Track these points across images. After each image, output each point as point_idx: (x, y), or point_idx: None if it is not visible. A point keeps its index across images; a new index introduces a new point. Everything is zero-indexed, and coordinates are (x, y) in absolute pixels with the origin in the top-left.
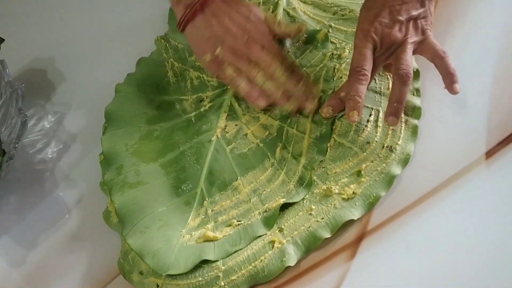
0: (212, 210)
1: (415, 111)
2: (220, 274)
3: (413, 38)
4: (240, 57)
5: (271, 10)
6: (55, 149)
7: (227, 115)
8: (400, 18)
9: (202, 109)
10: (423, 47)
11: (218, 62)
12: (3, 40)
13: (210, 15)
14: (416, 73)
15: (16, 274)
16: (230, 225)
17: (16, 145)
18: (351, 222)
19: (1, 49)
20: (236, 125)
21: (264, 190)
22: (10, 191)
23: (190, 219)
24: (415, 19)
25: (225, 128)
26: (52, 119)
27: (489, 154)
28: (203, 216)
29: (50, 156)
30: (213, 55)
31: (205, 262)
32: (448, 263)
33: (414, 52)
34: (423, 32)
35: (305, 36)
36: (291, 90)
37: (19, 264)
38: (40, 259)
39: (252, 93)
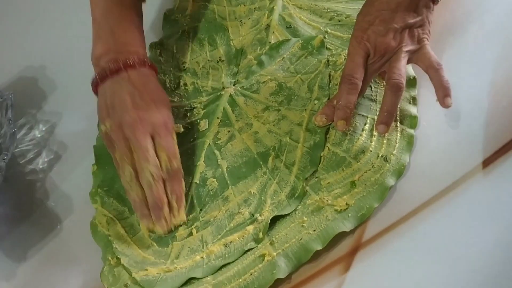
0: (202, 219)
1: (411, 120)
2: None
3: (408, 46)
4: (123, 137)
5: (266, 16)
6: (46, 159)
7: (220, 121)
8: (395, 26)
9: (195, 115)
10: (418, 57)
11: (110, 137)
12: None
13: (117, 83)
14: (413, 81)
15: (6, 286)
16: (219, 239)
17: (5, 157)
18: (345, 234)
19: None
20: (228, 131)
21: (255, 201)
22: (0, 202)
23: (180, 229)
24: (411, 27)
25: (217, 135)
26: (43, 129)
27: (486, 163)
28: (192, 225)
29: (41, 167)
30: (105, 127)
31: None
32: (445, 274)
33: (409, 61)
34: (419, 41)
35: (300, 42)
36: (154, 200)
37: (10, 277)
38: (31, 272)
39: (126, 188)
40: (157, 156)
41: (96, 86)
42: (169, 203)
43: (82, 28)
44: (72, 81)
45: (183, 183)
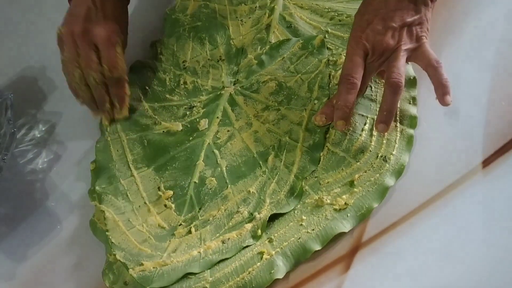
0: (200, 218)
1: (411, 120)
2: (207, 286)
3: (407, 45)
4: (72, 43)
5: (267, 15)
6: (45, 159)
7: (220, 121)
8: (393, 24)
9: (195, 114)
10: (417, 55)
11: (61, 39)
12: None
13: None
14: (413, 81)
15: (7, 287)
16: (217, 237)
17: (5, 157)
18: (345, 233)
19: None
20: (228, 130)
21: (254, 200)
22: (0, 202)
23: (179, 228)
24: (409, 25)
25: (217, 134)
26: (43, 129)
27: (486, 163)
28: (191, 224)
29: (40, 166)
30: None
31: (192, 272)
32: (445, 274)
33: (408, 60)
34: (418, 39)
35: (300, 41)
36: (98, 99)
37: (10, 278)
38: (31, 272)
39: (70, 86)
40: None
41: None
42: (113, 103)
43: None
44: None
45: (126, 87)
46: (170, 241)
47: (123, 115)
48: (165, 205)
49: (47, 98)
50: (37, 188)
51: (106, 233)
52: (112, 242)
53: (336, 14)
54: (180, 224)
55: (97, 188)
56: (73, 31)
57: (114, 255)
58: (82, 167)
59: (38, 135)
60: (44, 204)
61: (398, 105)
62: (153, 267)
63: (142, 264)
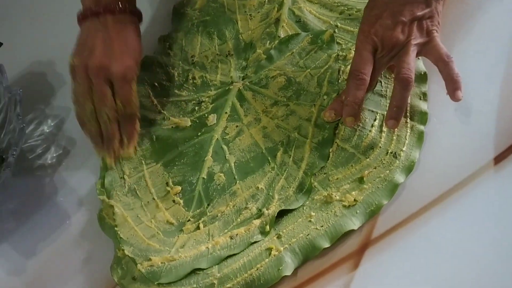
0: (209, 214)
1: (421, 116)
2: (215, 281)
3: (417, 39)
4: (85, 77)
5: (276, 9)
6: (54, 155)
7: (228, 116)
8: (403, 19)
9: (203, 109)
10: (428, 50)
11: (74, 71)
12: (1, 44)
13: (95, 26)
14: (424, 76)
15: (16, 282)
16: (226, 233)
17: (14, 152)
18: (354, 230)
19: None
20: (236, 126)
21: (262, 196)
22: (9, 197)
23: (187, 223)
24: (419, 19)
25: (225, 129)
26: (52, 124)
27: (498, 159)
28: (199, 220)
29: (49, 162)
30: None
31: (200, 268)
32: (455, 272)
33: (418, 54)
34: (428, 33)
35: (310, 36)
36: (108, 136)
37: (19, 272)
38: (40, 267)
39: (78, 118)
40: (115, 100)
41: (79, 21)
42: (121, 139)
43: None
44: None
45: (137, 124)
46: (178, 236)
47: (129, 153)
48: (174, 201)
49: (55, 93)
50: (46, 183)
51: (115, 228)
52: (121, 237)
53: (346, 8)
54: (189, 220)
55: (105, 182)
56: (87, 65)
57: (123, 250)
58: (91, 162)
59: (47, 130)
60: (53, 199)
61: (408, 101)
62: (161, 262)
63: (150, 259)
